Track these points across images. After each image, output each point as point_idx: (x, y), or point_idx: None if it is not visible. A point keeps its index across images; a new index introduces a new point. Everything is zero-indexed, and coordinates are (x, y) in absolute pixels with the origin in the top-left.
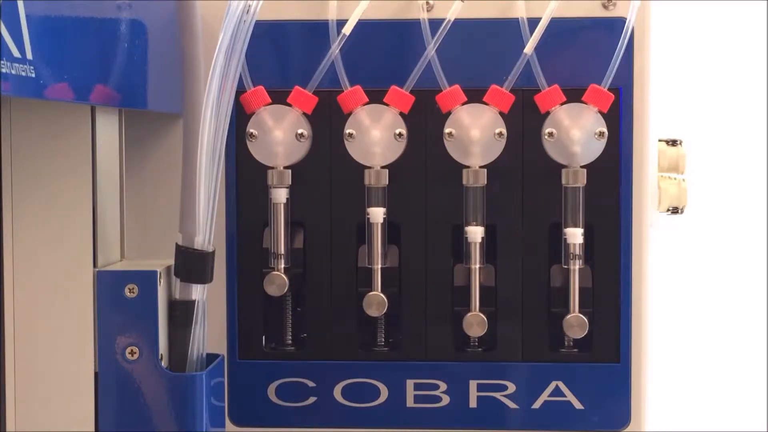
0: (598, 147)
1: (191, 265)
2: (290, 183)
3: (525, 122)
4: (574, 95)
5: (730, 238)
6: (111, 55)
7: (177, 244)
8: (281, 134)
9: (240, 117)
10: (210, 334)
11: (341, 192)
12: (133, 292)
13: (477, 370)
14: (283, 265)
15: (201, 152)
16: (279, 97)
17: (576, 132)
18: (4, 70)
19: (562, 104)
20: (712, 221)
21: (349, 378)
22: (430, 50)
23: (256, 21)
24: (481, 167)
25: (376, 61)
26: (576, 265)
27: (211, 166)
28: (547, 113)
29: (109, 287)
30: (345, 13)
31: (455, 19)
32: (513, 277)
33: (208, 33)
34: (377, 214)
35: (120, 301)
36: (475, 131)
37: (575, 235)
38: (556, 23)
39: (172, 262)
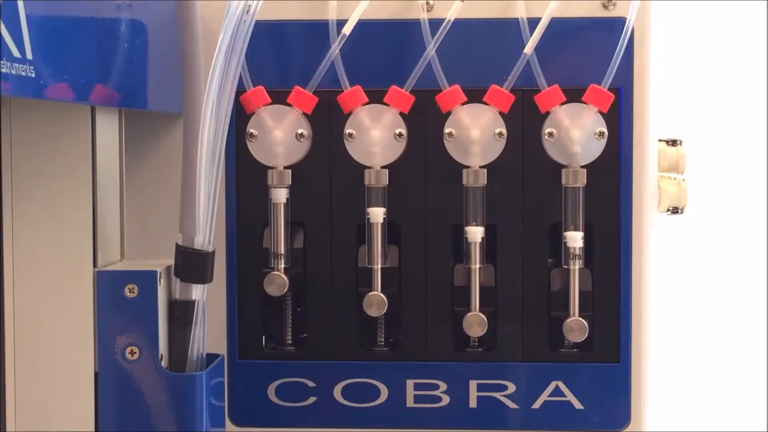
0: (598, 147)
1: (191, 265)
2: (290, 183)
3: (525, 122)
4: (574, 95)
5: (730, 238)
6: (111, 55)
7: (177, 244)
8: (281, 134)
9: (240, 117)
10: (210, 334)
11: (341, 192)
12: (133, 292)
13: (477, 370)
14: (283, 265)
15: (201, 152)
16: (279, 97)
17: (576, 132)
18: (4, 70)
19: (562, 104)
20: (712, 221)
21: (349, 378)
22: (430, 50)
23: (256, 21)
24: (481, 167)
25: (376, 61)
26: (576, 265)
27: (211, 166)
28: (547, 113)
29: (109, 287)
30: (345, 13)
31: (455, 19)
32: (513, 277)
33: (208, 33)
34: (377, 214)
35: (120, 301)
36: (475, 131)
37: (575, 239)
38: (556, 23)
39: (172, 262)
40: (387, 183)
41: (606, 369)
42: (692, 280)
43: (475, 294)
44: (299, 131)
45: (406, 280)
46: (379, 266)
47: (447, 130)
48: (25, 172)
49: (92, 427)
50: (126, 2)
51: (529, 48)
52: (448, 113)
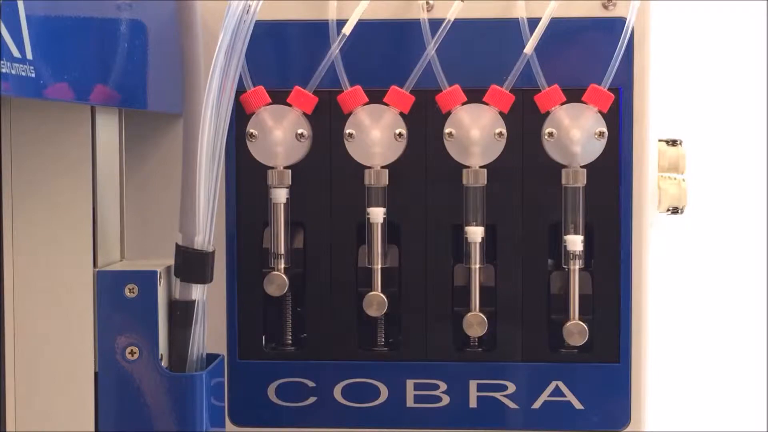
0: (598, 147)
1: (191, 265)
2: (290, 183)
3: (525, 122)
4: (574, 95)
5: (730, 238)
6: (111, 55)
7: (177, 244)
8: (281, 134)
9: (240, 117)
10: (210, 334)
11: (341, 192)
12: (133, 292)
13: (477, 370)
14: (283, 265)
15: (201, 152)
16: (279, 97)
17: (576, 132)
18: (4, 70)
19: (562, 104)
20: (712, 221)
21: (349, 378)
22: (430, 50)
23: (256, 21)
24: (481, 167)
25: (376, 61)
26: (576, 265)
27: (211, 166)
28: (547, 113)
29: (109, 287)
30: (345, 13)
31: (455, 19)
32: (513, 278)
33: (208, 33)
34: (377, 214)
35: (120, 301)
36: (475, 131)
37: (575, 242)
38: (556, 23)
39: (172, 262)
40: (387, 183)
41: (606, 369)
42: (692, 280)
43: (475, 294)
44: (299, 131)
45: (406, 280)
46: (379, 266)
47: (447, 130)
48: (25, 172)
49: (92, 427)
50: (126, 2)
51: (529, 48)
52: (448, 113)
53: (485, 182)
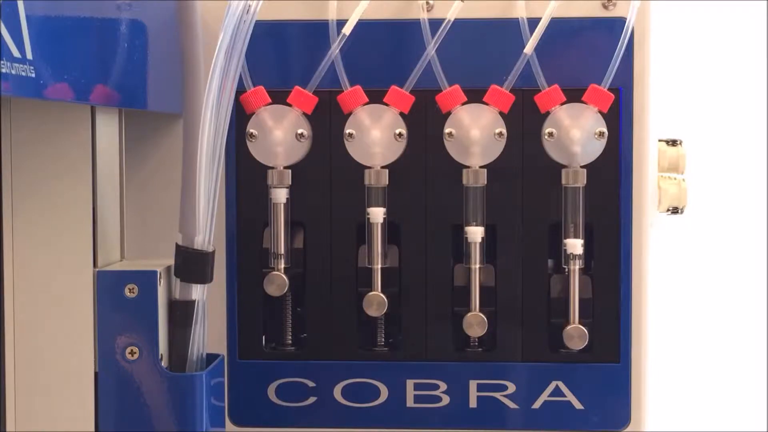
0: (598, 147)
1: (191, 265)
2: (290, 183)
3: (525, 122)
4: (574, 95)
5: (730, 238)
6: (111, 55)
7: (177, 244)
8: (281, 134)
9: (240, 117)
10: (210, 334)
11: (341, 192)
12: (133, 292)
13: (477, 370)
14: (283, 265)
15: (201, 152)
16: (279, 97)
17: (576, 132)
18: (4, 70)
19: (562, 104)
20: (712, 221)
21: (349, 378)
22: (430, 50)
23: (256, 21)
24: (481, 167)
25: (376, 61)
26: (576, 266)
27: (211, 166)
28: (547, 113)
29: (109, 287)
30: (345, 13)
31: (455, 19)
32: (513, 278)
33: (208, 33)
34: (377, 214)
35: (120, 301)
36: (475, 131)
37: (575, 246)
38: (556, 23)
39: (172, 262)
40: (387, 183)
41: (606, 369)
42: (692, 280)
43: (475, 294)
44: (299, 131)
45: (406, 280)
46: (379, 266)
47: (447, 130)
48: (25, 172)
49: (92, 427)
50: (126, 2)
51: (529, 48)
52: (448, 113)
53: (485, 182)
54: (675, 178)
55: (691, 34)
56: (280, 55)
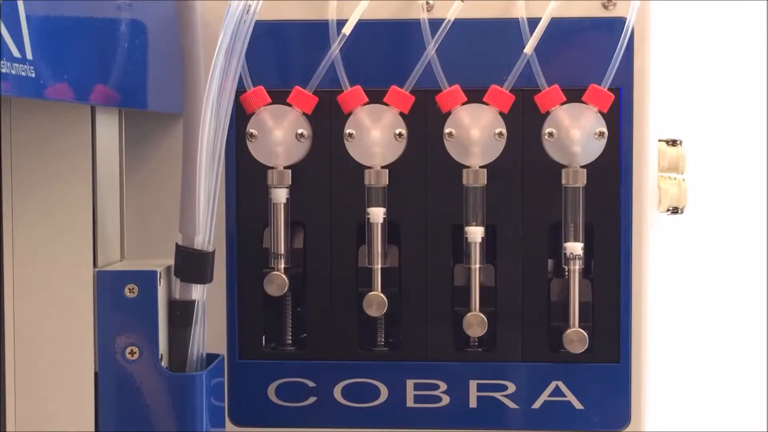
0: (598, 147)
1: (191, 265)
2: (290, 183)
3: (525, 122)
4: (574, 95)
5: (730, 238)
6: (111, 55)
7: (177, 244)
8: (281, 134)
9: (240, 117)
10: (210, 334)
11: (341, 192)
12: (133, 292)
13: (477, 370)
14: (283, 265)
15: (201, 152)
16: (279, 97)
17: (576, 132)
18: (4, 70)
19: (562, 104)
20: (712, 221)
21: (349, 378)
22: (430, 50)
23: (256, 21)
24: (481, 167)
25: (376, 61)
26: (576, 266)
27: (211, 166)
28: (547, 113)
29: (109, 287)
30: (345, 13)
31: (455, 19)
32: (513, 278)
33: (208, 33)
34: (377, 214)
35: (120, 301)
36: (475, 131)
37: (575, 247)
38: (556, 23)
39: (172, 262)
40: (387, 183)
41: (606, 369)
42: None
43: (475, 294)
44: (299, 131)
45: (406, 280)
46: (379, 266)
47: (447, 130)
48: (25, 172)
49: (92, 427)
50: (126, 2)
51: (529, 48)
52: (448, 113)
53: (485, 182)
54: (675, 178)
55: (691, 34)
56: (280, 55)
